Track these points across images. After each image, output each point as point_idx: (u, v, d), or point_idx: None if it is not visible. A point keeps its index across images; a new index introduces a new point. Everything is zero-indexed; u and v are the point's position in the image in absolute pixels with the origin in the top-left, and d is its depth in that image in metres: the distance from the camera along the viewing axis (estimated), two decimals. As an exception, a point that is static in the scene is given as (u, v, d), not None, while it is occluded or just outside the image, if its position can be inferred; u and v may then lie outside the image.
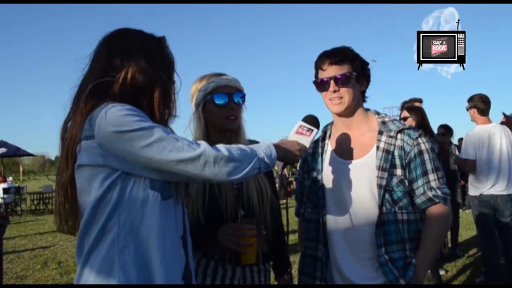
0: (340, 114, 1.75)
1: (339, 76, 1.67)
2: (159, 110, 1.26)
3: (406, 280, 1.59)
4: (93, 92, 1.21)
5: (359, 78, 1.71)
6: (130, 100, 1.21)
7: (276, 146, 1.35)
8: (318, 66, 1.74)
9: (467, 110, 4.22)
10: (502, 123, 4.32)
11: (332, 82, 1.68)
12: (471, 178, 4.20)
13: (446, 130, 5.89)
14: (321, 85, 1.72)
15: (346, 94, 1.69)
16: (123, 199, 1.15)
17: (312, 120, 1.58)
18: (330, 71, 1.69)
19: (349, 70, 1.69)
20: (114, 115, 1.13)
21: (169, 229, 1.21)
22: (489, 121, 4.14)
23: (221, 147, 1.20)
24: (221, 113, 1.72)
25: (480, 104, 4.11)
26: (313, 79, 1.78)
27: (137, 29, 1.34)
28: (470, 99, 4.17)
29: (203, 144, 1.17)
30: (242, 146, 1.26)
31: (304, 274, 1.82)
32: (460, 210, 8.03)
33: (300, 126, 1.52)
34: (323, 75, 1.71)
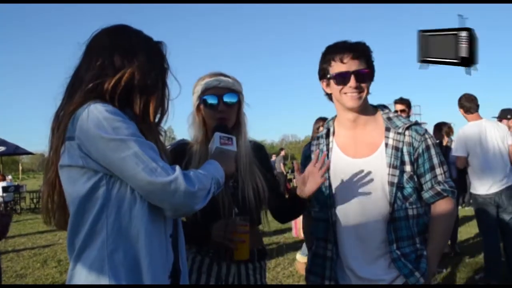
0: (354, 109, 1.71)
1: (363, 72, 1.65)
2: (154, 113, 1.25)
3: (421, 271, 1.63)
4: (89, 90, 1.18)
5: (373, 74, 1.72)
6: (121, 100, 1.19)
7: (220, 164, 1.35)
8: (336, 58, 1.66)
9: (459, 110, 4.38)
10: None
11: (353, 76, 1.64)
12: (472, 176, 4.22)
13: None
14: (338, 78, 1.66)
15: (364, 89, 1.68)
16: (110, 201, 1.14)
17: (225, 129, 1.59)
18: (351, 65, 1.64)
19: (367, 66, 1.68)
20: (95, 118, 1.11)
21: (157, 230, 1.20)
22: (479, 117, 4.25)
23: (193, 176, 1.19)
24: (212, 114, 1.74)
25: (465, 103, 4.28)
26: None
27: (137, 29, 1.32)
28: (458, 100, 4.34)
29: (177, 171, 1.15)
30: (202, 171, 1.25)
31: (312, 274, 1.81)
32: (460, 207, 8.04)
33: (220, 137, 1.48)
34: (341, 68, 1.65)
